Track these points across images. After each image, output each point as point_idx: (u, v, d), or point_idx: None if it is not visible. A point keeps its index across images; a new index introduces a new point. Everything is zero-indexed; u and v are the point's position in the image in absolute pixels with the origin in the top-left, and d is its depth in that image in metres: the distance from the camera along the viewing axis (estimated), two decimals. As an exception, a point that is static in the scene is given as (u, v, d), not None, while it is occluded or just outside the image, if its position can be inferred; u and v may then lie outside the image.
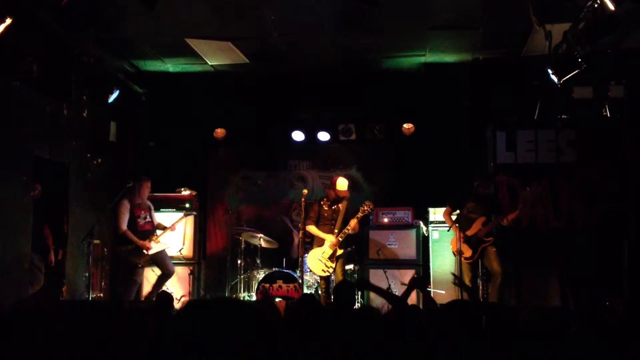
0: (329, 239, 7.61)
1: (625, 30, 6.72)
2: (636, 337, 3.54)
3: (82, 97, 8.20)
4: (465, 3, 6.76)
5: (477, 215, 7.33)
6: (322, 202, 7.83)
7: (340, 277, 7.56)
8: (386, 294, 5.41)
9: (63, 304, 6.93)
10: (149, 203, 8.05)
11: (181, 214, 8.38)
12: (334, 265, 7.58)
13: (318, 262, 7.64)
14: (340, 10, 6.93)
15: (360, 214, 7.57)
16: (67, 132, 7.83)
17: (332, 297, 7.41)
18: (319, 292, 8.17)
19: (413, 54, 8.44)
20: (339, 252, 7.59)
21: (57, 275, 7.62)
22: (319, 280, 8.24)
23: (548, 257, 7.55)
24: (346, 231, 7.52)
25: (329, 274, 7.63)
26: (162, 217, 8.31)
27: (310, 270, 7.89)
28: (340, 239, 7.55)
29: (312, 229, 7.76)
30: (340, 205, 7.73)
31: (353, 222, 7.50)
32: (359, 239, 8.30)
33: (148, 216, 7.94)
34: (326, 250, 7.59)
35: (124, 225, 7.71)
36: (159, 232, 7.95)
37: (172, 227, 7.97)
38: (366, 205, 7.62)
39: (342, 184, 7.76)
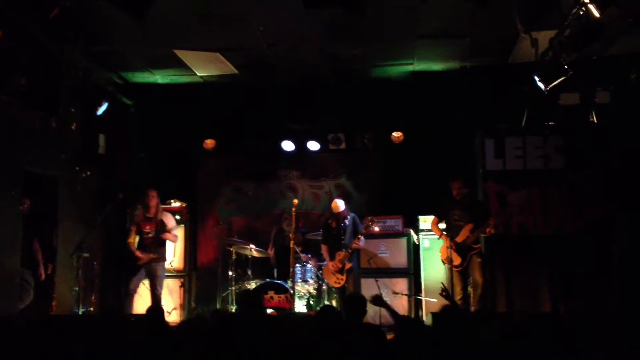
0: (330, 264, 7.92)
1: (610, 37, 6.79)
2: (627, 341, 3.56)
3: (71, 110, 8.17)
4: (453, 12, 6.81)
5: (464, 222, 7.33)
6: (329, 221, 8.15)
7: (352, 289, 7.82)
8: (395, 314, 5.48)
9: (53, 319, 6.90)
10: (162, 218, 7.86)
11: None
12: (344, 277, 7.83)
13: (332, 275, 7.93)
14: (328, 20, 6.96)
15: (364, 230, 7.79)
16: (55, 145, 7.80)
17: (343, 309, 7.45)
18: (310, 302, 8.23)
19: (401, 62, 8.48)
20: (348, 265, 7.80)
21: (47, 289, 7.56)
22: (310, 291, 8.31)
23: (538, 263, 7.58)
24: (352, 248, 7.78)
25: (340, 285, 7.87)
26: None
27: (328, 282, 8.13)
28: (348, 253, 7.78)
29: (323, 248, 8.16)
30: (346, 220, 7.98)
31: (356, 241, 7.77)
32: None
33: (153, 232, 7.76)
34: (337, 264, 7.83)
35: (130, 238, 7.78)
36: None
37: (164, 236, 7.85)
38: (367, 221, 7.79)
39: (336, 205, 8.04)
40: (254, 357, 3.43)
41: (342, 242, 7.89)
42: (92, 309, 8.49)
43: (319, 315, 4.82)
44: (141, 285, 7.92)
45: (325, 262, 8.14)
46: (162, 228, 7.82)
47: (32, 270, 7.25)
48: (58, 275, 7.69)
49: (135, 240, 7.79)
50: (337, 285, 7.89)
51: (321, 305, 7.61)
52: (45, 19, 5.77)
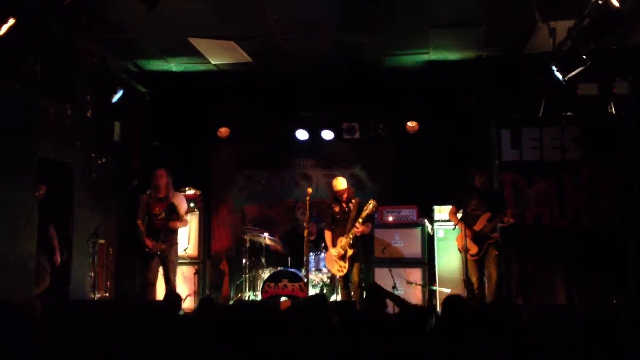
0: (332, 250, 7.65)
1: (629, 27, 6.69)
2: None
3: (86, 98, 8.22)
4: (468, 0, 6.74)
5: (482, 211, 7.29)
6: (332, 205, 7.80)
7: (356, 278, 7.51)
8: (395, 297, 5.38)
9: (70, 304, 6.97)
10: (174, 200, 7.58)
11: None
12: (346, 265, 7.52)
13: (333, 263, 7.66)
14: (342, 8, 6.91)
15: (364, 214, 7.44)
16: (71, 132, 7.85)
17: (361, 303, 7.28)
18: (324, 290, 8.22)
19: (416, 52, 8.41)
20: (350, 252, 7.49)
21: (63, 275, 7.64)
22: (324, 280, 8.30)
23: (554, 254, 7.53)
24: (353, 233, 7.43)
25: (344, 273, 7.59)
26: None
27: (329, 270, 7.96)
28: (349, 239, 7.47)
29: (326, 234, 7.84)
30: (351, 204, 7.65)
31: (358, 225, 7.40)
32: (366, 238, 8.22)
33: (164, 213, 7.52)
34: (339, 250, 7.57)
35: (138, 219, 7.56)
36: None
37: (172, 225, 7.57)
38: (370, 204, 7.45)
39: (336, 183, 7.73)
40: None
41: (346, 228, 7.55)
42: (107, 294, 8.57)
43: (304, 305, 4.61)
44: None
45: None
46: (172, 209, 7.54)
47: (48, 256, 7.33)
48: (74, 261, 7.76)
49: (144, 220, 7.58)
50: (340, 274, 7.61)
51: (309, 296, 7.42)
52: (58, 6, 5.77)
